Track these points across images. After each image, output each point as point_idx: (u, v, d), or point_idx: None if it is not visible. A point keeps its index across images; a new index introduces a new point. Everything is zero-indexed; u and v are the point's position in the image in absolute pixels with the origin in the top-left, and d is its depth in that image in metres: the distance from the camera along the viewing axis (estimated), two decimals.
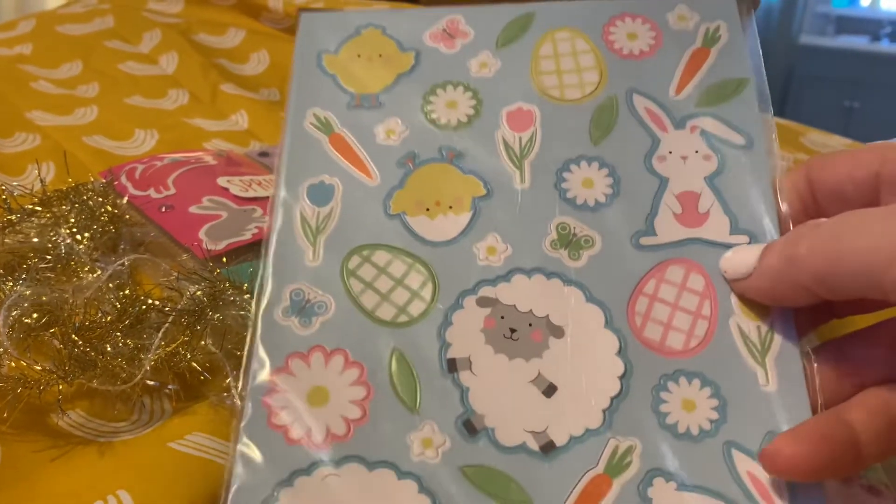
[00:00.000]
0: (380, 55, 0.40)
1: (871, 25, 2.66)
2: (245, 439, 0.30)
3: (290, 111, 0.38)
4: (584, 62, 0.39)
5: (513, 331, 0.32)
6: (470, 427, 0.30)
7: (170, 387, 0.37)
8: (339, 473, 0.29)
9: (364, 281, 0.33)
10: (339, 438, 0.30)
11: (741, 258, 0.32)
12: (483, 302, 0.33)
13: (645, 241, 0.34)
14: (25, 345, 0.36)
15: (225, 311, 0.38)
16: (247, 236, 0.47)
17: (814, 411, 0.30)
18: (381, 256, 0.34)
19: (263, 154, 0.60)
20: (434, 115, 0.38)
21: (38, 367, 0.34)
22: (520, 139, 0.36)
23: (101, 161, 0.57)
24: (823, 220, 0.30)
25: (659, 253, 0.34)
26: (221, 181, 0.52)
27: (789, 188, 0.34)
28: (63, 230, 0.43)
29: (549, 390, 0.31)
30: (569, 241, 0.34)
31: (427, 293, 0.33)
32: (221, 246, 0.46)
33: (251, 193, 0.52)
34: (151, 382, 0.37)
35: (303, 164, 0.36)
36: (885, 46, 2.61)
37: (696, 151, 0.35)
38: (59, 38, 0.77)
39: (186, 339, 0.37)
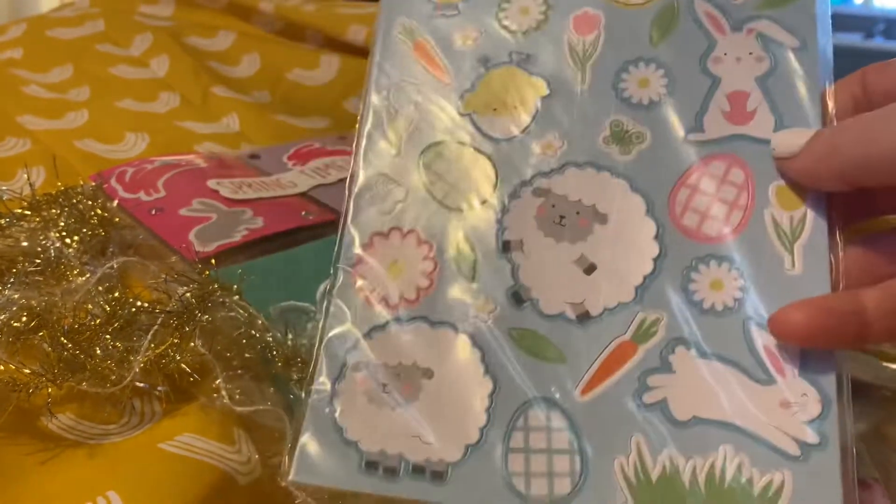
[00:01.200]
0: None
1: (865, 22, 2.66)
2: (337, 301, 0.35)
3: (380, 22, 0.41)
4: None
5: (562, 217, 0.36)
6: (518, 297, 0.35)
7: (159, 388, 0.37)
8: (408, 330, 0.34)
9: (436, 172, 0.37)
10: (410, 303, 0.35)
11: (791, 138, 0.34)
12: (538, 192, 0.36)
13: (693, 137, 0.36)
14: (14, 348, 0.36)
15: (214, 312, 0.38)
16: (236, 238, 0.47)
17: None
18: (451, 151, 0.38)
19: (254, 156, 0.60)
20: (506, 22, 0.40)
21: (27, 371, 0.34)
22: (583, 42, 0.39)
23: (92, 165, 0.57)
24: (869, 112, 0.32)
25: (704, 148, 0.36)
26: (212, 183, 0.52)
27: (843, 91, 0.36)
28: (52, 234, 0.43)
29: (590, 269, 0.35)
30: (621, 138, 0.37)
31: (489, 184, 0.37)
32: (211, 248, 0.46)
33: (241, 195, 0.52)
34: (141, 384, 0.37)
35: (391, 70, 0.40)
36: (879, 43, 2.61)
37: (750, 53, 0.37)
38: (50, 42, 0.77)
39: (176, 340, 0.37)
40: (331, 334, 0.35)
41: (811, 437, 0.31)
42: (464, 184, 0.37)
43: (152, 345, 0.36)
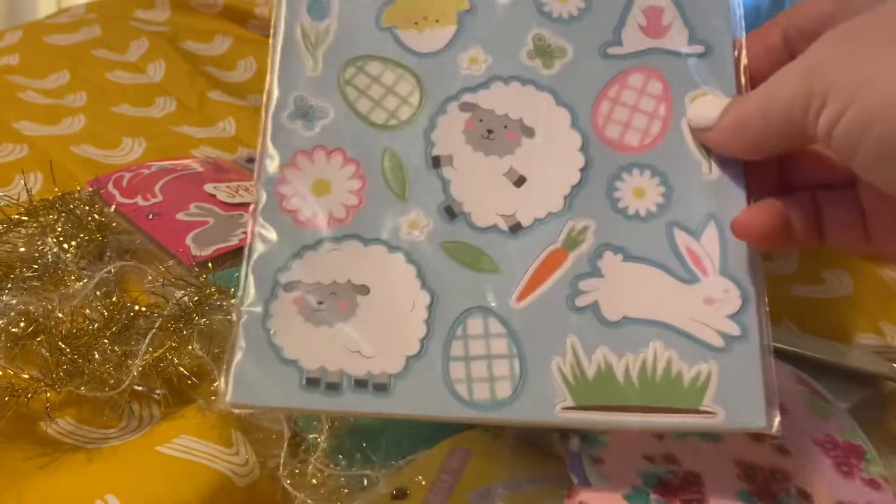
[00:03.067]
0: None
1: None
2: (262, 221, 0.34)
3: None
4: None
5: (490, 132, 0.36)
6: (450, 212, 0.35)
7: (158, 392, 0.37)
8: (340, 248, 0.34)
9: (358, 89, 0.36)
10: (340, 221, 0.34)
11: (704, 112, 0.35)
12: (465, 107, 0.36)
13: (612, 50, 0.37)
14: (13, 354, 0.36)
15: (211, 315, 0.39)
16: (234, 241, 0.47)
17: (748, 199, 0.34)
18: (373, 67, 0.37)
19: (251, 160, 0.60)
20: None
21: (26, 376, 0.35)
22: None
23: (88, 170, 0.58)
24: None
25: (623, 62, 0.37)
26: (208, 188, 0.53)
27: (757, 42, 0.36)
28: (50, 239, 0.43)
29: (519, 182, 0.35)
30: (544, 51, 0.37)
31: (415, 99, 0.36)
32: (208, 252, 0.46)
33: (238, 199, 0.52)
34: (139, 388, 0.37)
35: None
36: None
37: None
38: (46, 49, 0.77)
39: (174, 344, 0.37)
40: (257, 255, 0.34)
41: (734, 329, 0.33)
42: (389, 100, 0.36)
43: (150, 349, 0.37)
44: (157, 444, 0.35)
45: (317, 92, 0.36)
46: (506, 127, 0.36)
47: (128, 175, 0.54)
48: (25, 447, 0.35)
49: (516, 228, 0.35)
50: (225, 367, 0.32)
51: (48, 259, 0.42)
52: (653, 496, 0.33)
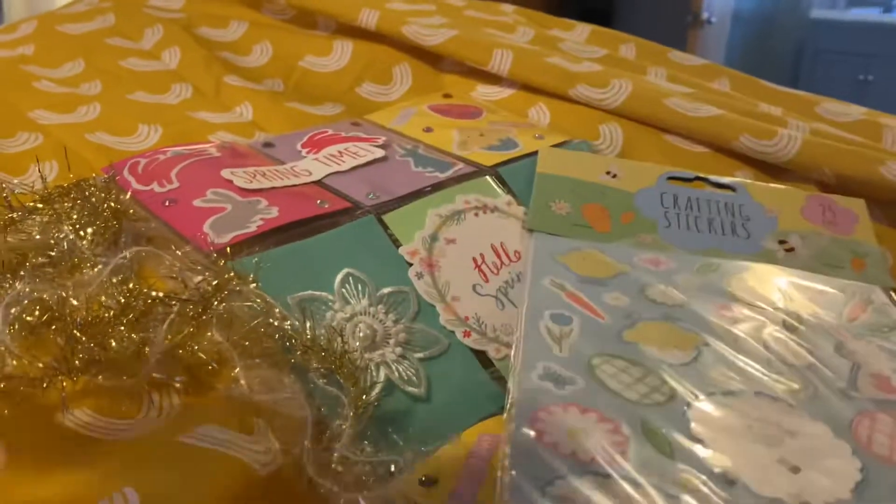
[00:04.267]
0: (599, 261, 0.48)
1: None
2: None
3: (528, 281, 0.45)
4: None
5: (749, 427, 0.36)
6: (726, 478, 0.33)
7: (177, 380, 0.36)
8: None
9: (607, 373, 0.38)
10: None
11: None
12: (724, 398, 0.37)
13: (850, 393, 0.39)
14: (28, 343, 0.35)
15: (230, 301, 0.38)
16: (252, 228, 0.46)
17: None
18: (620, 363, 0.39)
19: (268, 145, 0.59)
20: (653, 297, 0.45)
21: (41, 365, 0.34)
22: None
23: (104, 158, 0.57)
24: None
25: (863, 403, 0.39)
26: (225, 173, 0.52)
27: None
28: (65, 227, 0.42)
29: (795, 470, 0.34)
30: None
31: (667, 389, 0.38)
32: (226, 239, 0.45)
33: (256, 185, 0.51)
34: (158, 376, 0.36)
35: (543, 302, 0.43)
36: None
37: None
38: (61, 38, 0.77)
39: (192, 330, 0.36)
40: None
41: None
42: (639, 386, 0.38)
43: (168, 335, 0.36)
44: (178, 434, 0.34)
45: (565, 367, 0.38)
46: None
47: (143, 161, 0.53)
48: (43, 438, 0.34)
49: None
50: None
51: (64, 246, 0.41)
52: None
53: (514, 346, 0.40)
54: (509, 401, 0.36)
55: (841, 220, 0.53)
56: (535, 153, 0.58)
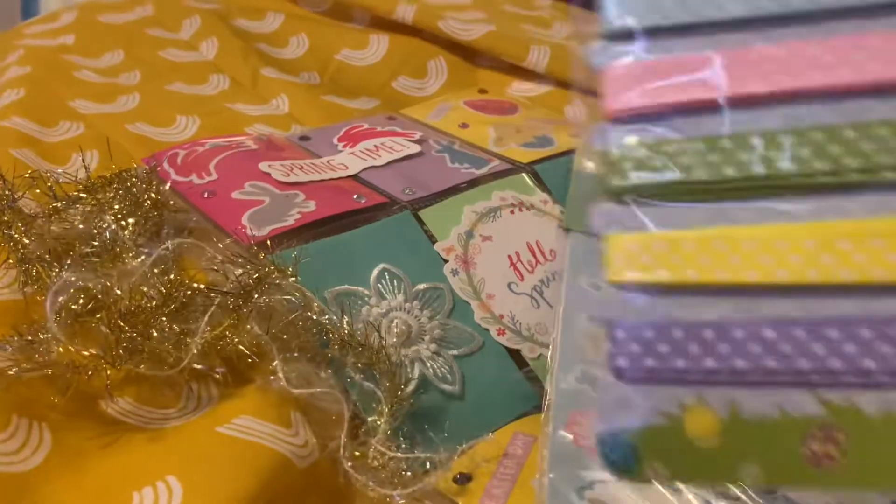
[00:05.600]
0: None
1: None
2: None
3: (565, 281, 0.40)
4: None
5: None
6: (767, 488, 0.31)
7: (217, 371, 0.37)
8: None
9: None
10: None
11: None
12: None
13: None
14: (73, 331, 0.36)
15: (270, 294, 0.38)
16: (290, 222, 0.47)
17: None
18: None
19: (304, 138, 0.59)
20: None
21: (86, 353, 0.34)
22: None
23: (143, 148, 0.57)
24: None
25: None
26: (263, 166, 0.52)
27: None
28: (108, 217, 0.43)
29: None
30: None
31: None
32: (265, 232, 0.45)
33: (293, 178, 0.51)
34: (199, 366, 0.36)
35: (580, 303, 0.38)
36: None
37: None
38: (101, 28, 0.78)
39: (233, 322, 0.37)
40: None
41: None
42: None
43: (209, 327, 0.36)
44: (217, 425, 0.34)
45: None
46: None
47: (182, 153, 0.53)
48: (87, 426, 0.34)
49: None
50: None
51: (106, 236, 0.41)
52: None
53: (550, 347, 0.39)
54: (546, 402, 0.36)
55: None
56: (572, 151, 0.57)
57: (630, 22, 0.28)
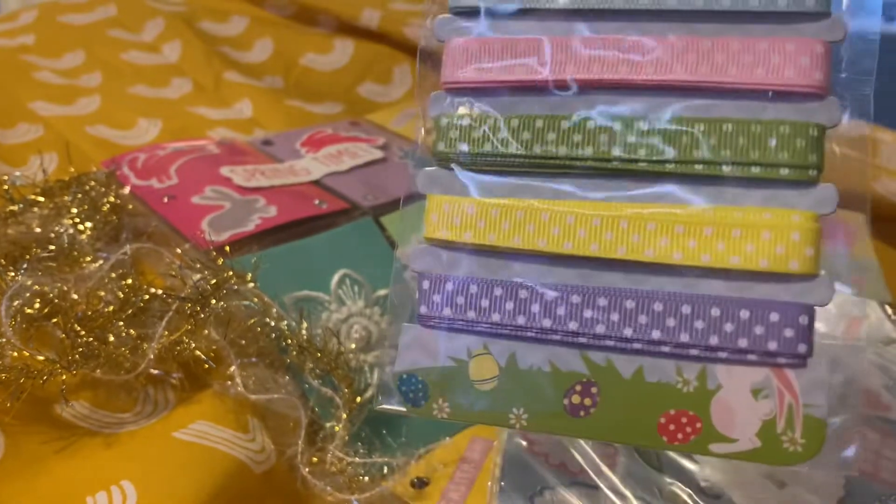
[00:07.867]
0: None
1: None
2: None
3: None
4: None
5: None
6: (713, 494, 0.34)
7: (174, 376, 0.37)
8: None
9: None
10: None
11: None
12: None
13: None
14: (28, 335, 0.36)
15: (228, 300, 0.38)
16: (250, 227, 0.47)
17: None
18: None
19: (267, 143, 0.59)
20: None
21: (41, 357, 0.34)
22: None
23: (103, 151, 0.57)
24: None
25: None
26: (224, 171, 0.52)
27: None
28: (65, 220, 0.42)
29: (780, 485, 0.34)
30: None
31: None
32: (224, 237, 0.45)
33: (254, 183, 0.51)
34: (155, 371, 0.36)
35: None
36: None
37: None
38: (62, 28, 0.77)
39: (190, 327, 0.37)
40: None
41: None
42: None
43: (166, 331, 0.36)
44: (174, 430, 0.34)
45: None
46: None
47: (143, 156, 0.53)
48: (41, 430, 0.34)
49: None
50: None
51: (64, 240, 0.41)
52: None
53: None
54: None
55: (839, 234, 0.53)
56: None
57: (475, 1, 0.30)
